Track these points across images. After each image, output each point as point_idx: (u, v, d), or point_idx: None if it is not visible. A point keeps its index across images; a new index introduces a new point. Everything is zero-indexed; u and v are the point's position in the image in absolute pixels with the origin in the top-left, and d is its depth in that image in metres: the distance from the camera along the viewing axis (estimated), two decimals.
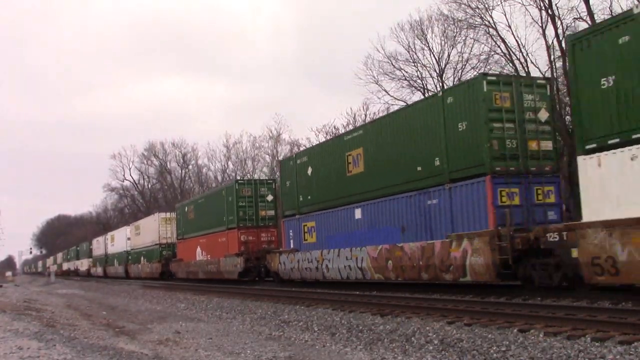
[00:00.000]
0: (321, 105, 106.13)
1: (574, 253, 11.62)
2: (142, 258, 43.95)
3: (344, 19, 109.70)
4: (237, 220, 28.13)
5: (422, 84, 39.47)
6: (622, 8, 26.88)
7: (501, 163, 14.09)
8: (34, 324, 13.24)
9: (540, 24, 30.20)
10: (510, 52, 31.95)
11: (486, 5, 32.04)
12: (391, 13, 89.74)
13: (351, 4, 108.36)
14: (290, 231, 23.70)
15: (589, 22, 26.97)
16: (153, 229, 40.96)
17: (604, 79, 11.22)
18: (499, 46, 32.82)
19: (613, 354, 7.14)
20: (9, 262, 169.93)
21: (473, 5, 32.42)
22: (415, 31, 38.82)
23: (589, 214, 11.49)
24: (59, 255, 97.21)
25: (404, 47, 39.36)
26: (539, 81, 15.27)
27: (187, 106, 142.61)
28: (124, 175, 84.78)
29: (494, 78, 14.77)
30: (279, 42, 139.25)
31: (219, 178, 68.68)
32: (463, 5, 32.96)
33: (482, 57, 35.00)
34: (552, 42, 29.56)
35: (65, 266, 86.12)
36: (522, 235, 13.20)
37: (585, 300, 11.70)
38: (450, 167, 15.15)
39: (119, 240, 50.66)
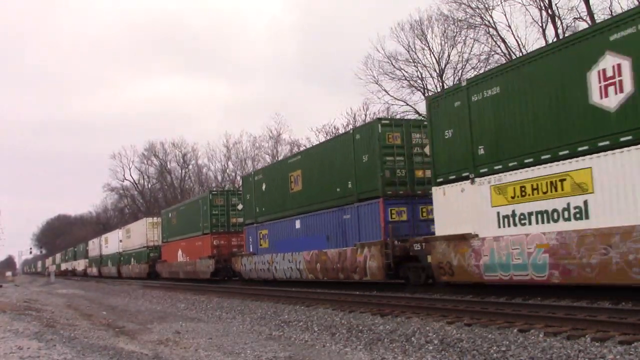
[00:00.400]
0: (321, 105, 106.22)
1: (429, 259, 15.50)
2: (132, 259, 47.31)
3: (344, 19, 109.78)
4: (210, 226, 31.57)
5: (422, 84, 39.59)
6: (622, 8, 26.93)
7: (392, 188, 17.73)
8: (34, 324, 13.24)
9: (540, 24, 30.31)
10: (510, 52, 32.01)
11: (486, 5, 32.15)
12: (391, 13, 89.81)
13: (351, 4, 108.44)
14: (250, 237, 27.07)
15: (589, 22, 27.00)
16: (141, 233, 44.29)
17: (447, 131, 14.95)
18: (499, 46, 32.92)
19: (613, 354, 7.14)
20: (9, 262, 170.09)
21: (473, 5, 32.53)
22: (415, 31, 38.95)
23: (438, 230, 15.22)
24: (58, 256, 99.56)
25: (404, 47, 39.48)
26: (425, 122, 17.82)
27: (187, 106, 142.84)
28: (124, 175, 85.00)
29: (387, 122, 18.61)
30: (279, 42, 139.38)
31: (219, 178, 68.81)
32: (463, 5, 33.08)
33: (482, 57, 35.10)
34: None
35: (63, 266, 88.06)
36: (400, 245, 17.01)
37: (585, 301, 11.72)
38: (358, 190, 18.82)
39: (112, 242, 53.71)
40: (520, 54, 30.76)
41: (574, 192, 11.67)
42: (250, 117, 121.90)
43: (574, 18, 28.52)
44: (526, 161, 12.68)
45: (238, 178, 66.42)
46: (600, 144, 11.24)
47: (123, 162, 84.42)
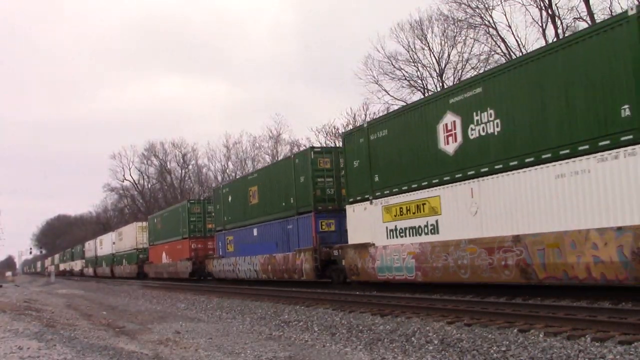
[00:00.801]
0: (321, 105, 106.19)
1: (343, 262, 19.47)
2: (124, 260, 51.57)
3: (344, 19, 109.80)
4: (188, 231, 35.51)
5: (422, 84, 39.60)
6: (622, 8, 26.94)
7: (322, 204, 21.48)
8: (34, 324, 13.24)
9: (540, 24, 30.32)
10: (510, 52, 32.01)
11: (486, 5, 32.15)
12: (391, 13, 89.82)
13: (351, 4, 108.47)
14: (219, 242, 30.89)
15: (589, 22, 27.00)
16: (132, 236, 48.43)
17: (355, 161, 18.72)
18: (499, 46, 32.93)
19: (613, 354, 7.14)
20: (9, 262, 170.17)
21: (473, 5, 32.55)
22: (415, 31, 38.95)
23: (350, 240, 19.13)
24: (56, 257, 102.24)
25: (404, 47, 39.50)
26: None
27: (187, 106, 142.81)
28: (124, 175, 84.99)
29: (319, 149, 22.46)
30: (279, 42, 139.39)
31: (219, 178, 68.77)
32: (463, 5, 33.08)
33: (482, 57, 35.10)
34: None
35: (61, 267, 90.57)
36: (325, 251, 20.83)
37: (585, 301, 11.73)
38: (297, 205, 22.45)
39: (106, 244, 57.81)
40: (521, 54, 30.78)
41: (430, 213, 15.61)
42: (251, 117, 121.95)
43: (574, 18, 28.57)
44: (403, 188, 16.56)
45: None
46: (445, 178, 15.02)
47: (123, 162, 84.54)
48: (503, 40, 32.65)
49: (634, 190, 10.55)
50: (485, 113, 13.84)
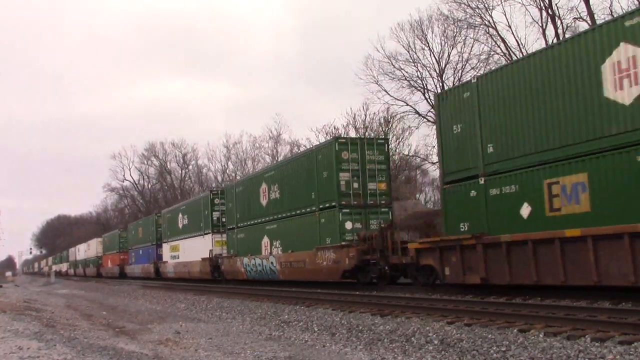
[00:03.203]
0: (321, 105, 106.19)
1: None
2: (90, 264, 67.81)
3: (344, 20, 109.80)
4: (119, 246, 54.11)
5: (422, 84, 39.55)
6: (622, 8, 26.93)
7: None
8: (34, 324, 13.24)
9: (540, 24, 30.30)
10: (510, 52, 32.00)
11: (486, 5, 32.13)
12: (391, 13, 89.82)
13: (352, 4, 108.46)
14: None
15: (589, 22, 27.00)
16: (95, 247, 65.29)
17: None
18: (499, 46, 32.90)
19: (613, 354, 7.14)
20: (9, 262, 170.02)
21: (473, 5, 32.51)
22: (415, 31, 38.90)
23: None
24: (50, 259, 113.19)
25: (404, 47, 39.45)
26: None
27: (187, 106, 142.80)
28: (124, 176, 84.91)
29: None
30: (280, 42, 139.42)
31: (219, 178, 68.78)
32: (463, 5, 33.05)
33: (482, 57, 35.08)
34: (552, 42, 29.56)
35: (54, 267, 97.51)
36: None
37: (585, 301, 11.72)
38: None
39: (81, 252, 75.01)
40: (521, 54, 30.79)
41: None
42: (251, 117, 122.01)
43: (574, 18, 28.54)
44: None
45: (238, 178, 66.44)
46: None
47: (123, 163, 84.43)
48: (503, 40, 32.65)
49: None
50: None
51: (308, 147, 38.38)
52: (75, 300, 26.53)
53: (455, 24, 35.27)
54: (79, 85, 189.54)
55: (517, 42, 32.69)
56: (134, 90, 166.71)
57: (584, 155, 11.82)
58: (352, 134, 42.34)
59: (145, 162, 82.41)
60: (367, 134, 41.78)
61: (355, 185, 19.58)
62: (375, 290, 17.90)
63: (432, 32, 38.36)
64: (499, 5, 32.80)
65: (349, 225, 19.43)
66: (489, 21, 32.67)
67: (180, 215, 36.16)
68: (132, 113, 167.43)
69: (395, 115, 41.93)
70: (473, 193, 14.42)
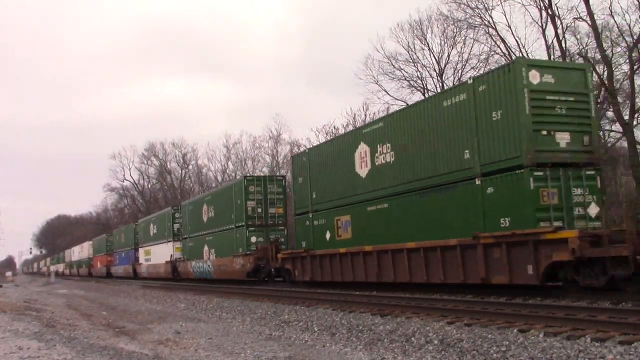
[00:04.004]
0: (321, 105, 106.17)
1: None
2: (83, 265, 72.93)
3: (345, 20, 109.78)
4: (106, 249, 59.46)
5: (422, 84, 39.51)
6: (622, 8, 26.92)
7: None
8: (34, 324, 13.24)
9: (540, 24, 30.22)
10: (510, 52, 31.96)
11: (486, 5, 32.06)
12: (391, 13, 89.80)
13: (352, 4, 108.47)
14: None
15: (589, 22, 26.99)
16: (87, 249, 71.20)
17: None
18: (498, 46, 32.84)
19: (613, 354, 7.14)
20: (9, 262, 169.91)
21: (473, 5, 32.43)
22: (415, 31, 38.85)
23: None
24: (48, 259, 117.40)
25: (403, 47, 39.38)
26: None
27: (187, 107, 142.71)
28: (124, 176, 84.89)
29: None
30: (281, 43, 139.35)
31: (219, 178, 68.74)
32: (463, 5, 32.97)
33: (482, 57, 35.04)
34: (552, 42, 29.56)
35: (52, 268, 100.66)
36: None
37: (585, 301, 11.72)
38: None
39: (76, 253, 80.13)
40: (520, 54, 30.80)
41: None
42: (251, 117, 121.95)
43: (574, 18, 28.45)
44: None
45: (238, 178, 66.40)
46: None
47: (123, 162, 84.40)
48: (503, 41, 32.57)
49: None
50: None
51: (308, 146, 38.70)
52: (75, 300, 26.53)
53: (455, 24, 35.24)
54: (79, 85, 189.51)
55: (517, 42, 32.60)
56: (134, 90, 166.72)
57: (348, 204, 19.43)
58: None
59: (145, 162, 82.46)
60: None
61: (259, 210, 26.90)
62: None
63: (432, 32, 38.34)
64: (498, 5, 32.72)
65: (253, 239, 26.51)
66: (488, 21, 32.61)
67: (151, 224, 43.14)
68: (132, 113, 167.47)
69: None
70: (307, 223, 21.89)
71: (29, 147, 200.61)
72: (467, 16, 33.20)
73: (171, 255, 37.00)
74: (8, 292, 32.17)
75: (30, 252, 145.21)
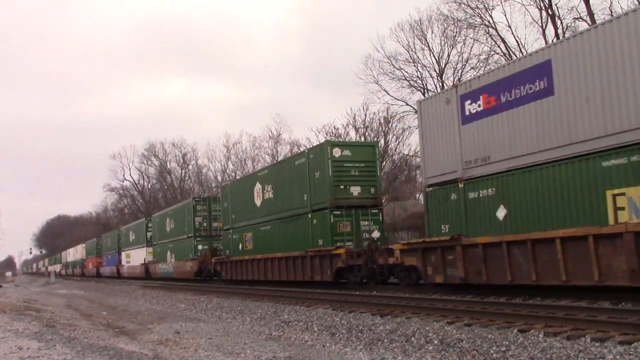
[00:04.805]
0: (321, 105, 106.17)
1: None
2: (77, 265, 79.19)
3: (345, 20, 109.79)
4: (96, 252, 64.66)
5: (422, 84, 39.55)
6: (622, 8, 26.93)
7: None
8: (34, 324, 13.24)
9: (540, 24, 30.29)
10: (510, 52, 32.00)
11: (486, 5, 32.11)
12: (391, 13, 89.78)
13: (352, 4, 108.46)
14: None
15: (589, 22, 26.99)
16: (80, 252, 76.83)
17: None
18: (498, 46, 32.90)
19: (613, 354, 7.14)
20: (9, 262, 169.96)
21: (473, 5, 32.50)
22: (415, 31, 38.90)
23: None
24: (46, 260, 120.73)
25: (403, 47, 39.46)
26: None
27: (187, 107, 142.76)
28: (124, 176, 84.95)
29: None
30: (281, 43, 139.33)
31: (219, 178, 68.72)
32: (463, 5, 33.03)
33: (482, 57, 35.07)
34: (552, 42, 29.54)
35: (50, 268, 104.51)
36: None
37: (585, 301, 11.72)
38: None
39: (71, 255, 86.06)
40: (520, 54, 30.79)
41: None
42: (251, 118, 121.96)
43: (574, 18, 28.53)
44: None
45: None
46: None
47: (123, 162, 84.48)
48: (503, 40, 32.64)
49: None
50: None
51: (309, 146, 38.94)
52: (75, 300, 26.53)
53: (455, 24, 35.31)
54: (79, 85, 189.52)
55: (517, 42, 32.74)
56: (135, 90, 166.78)
57: (251, 225, 25.80)
58: (352, 133, 42.65)
59: (145, 162, 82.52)
60: (367, 133, 41.99)
61: (205, 224, 33.47)
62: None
63: (432, 32, 38.40)
64: (498, 5, 32.90)
65: (200, 247, 33.07)
66: (488, 21, 32.68)
67: (130, 232, 50.71)
68: (132, 113, 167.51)
69: (395, 115, 41.99)
70: (229, 236, 27.77)
71: (29, 147, 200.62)
72: (467, 16, 33.30)
73: (144, 259, 44.68)
74: (8, 292, 32.18)
75: (30, 252, 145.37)
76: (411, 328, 10.23)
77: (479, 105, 14.04)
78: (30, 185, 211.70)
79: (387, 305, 13.48)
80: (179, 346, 9.96)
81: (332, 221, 19.91)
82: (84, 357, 8.48)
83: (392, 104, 40.88)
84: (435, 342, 8.93)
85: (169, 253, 38.31)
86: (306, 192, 21.24)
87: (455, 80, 36.92)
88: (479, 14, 32.70)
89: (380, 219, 20.64)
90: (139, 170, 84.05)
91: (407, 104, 40.41)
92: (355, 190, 20.37)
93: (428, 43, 38.61)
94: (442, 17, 36.41)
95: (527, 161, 12.76)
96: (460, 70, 37.69)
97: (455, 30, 36.29)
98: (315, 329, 11.46)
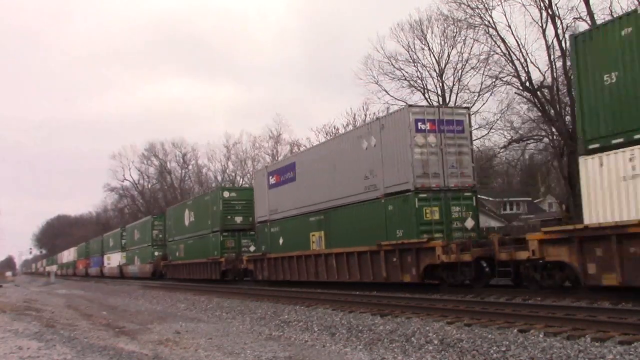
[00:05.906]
0: (321, 105, 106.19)
1: None
2: (70, 266, 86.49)
3: (345, 20, 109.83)
4: (85, 254, 71.62)
5: (422, 84, 39.51)
6: (622, 9, 26.90)
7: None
8: (34, 324, 13.23)
9: (540, 24, 30.18)
10: (510, 52, 31.94)
11: (486, 5, 32.01)
12: (391, 13, 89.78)
13: (352, 5, 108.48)
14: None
15: (589, 22, 26.96)
16: (72, 254, 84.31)
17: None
18: (498, 46, 32.77)
19: (613, 354, 7.14)
20: (9, 262, 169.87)
21: (473, 5, 32.38)
22: (415, 31, 38.83)
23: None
24: (44, 261, 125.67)
25: (403, 47, 39.35)
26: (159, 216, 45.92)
27: (187, 107, 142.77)
28: (124, 175, 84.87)
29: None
30: (282, 43, 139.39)
31: (219, 178, 68.79)
32: (463, 5, 32.93)
33: (482, 57, 35.02)
34: (552, 42, 29.54)
35: (48, 268, 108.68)
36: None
37: (585, 301, 11.72)
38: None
39: (65, 256, 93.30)
40: (521, 54, 30.85)
41: None
42: (251, 118, 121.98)
43: (574, 18, 28.45)
44: None
45: (238, 178, 66.40)
46: None
47: (123, 162, 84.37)
48: (503, 40, 32.51)
49: None
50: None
51: (308, 146, 38.91)
52: (75, 300, 26.53)
53: (455, 24, 35.20)
54: (79, 86, 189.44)
55: (517, 42, 32.57)
56: (135, 90, 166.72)
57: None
58: None
59: (145, 162, 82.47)
60: None
61: (160, 235, 41.25)
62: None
63: (432, 32, 38.30)
64: (498, 5, 32.60)
65: (155, 253, 41.79)
66: (488, 21, 32.56)
67: (110, 238, 60.36)
68: (132, 113, 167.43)
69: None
70: (215, 238, 33.51)
71: (29, 146, 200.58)
72: (467, 16, 33.19)
73: (119, 261, 54.57)
74: (8, 292, 32.17)
75: (30, 252, 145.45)
76: (411, 328, 10.23)
77: (274, 180, 24.94)
78: (30, 185, 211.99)
79: (387, 305, 13.49)
80: (179, 346, 9.96)
81: (221, 239, 28.74)
82: (84, 357, 8.48)
83: (392, 104, 40.78)
84: (435, 342, 8.93)
85: (136, 257, 48.40)
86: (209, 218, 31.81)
87: (455, 80, 37.00)
88: (479, 14, 32.61)
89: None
90: (139, 170, 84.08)
91: (406, 103, 40.33)
92: (239, 219, 30.49)
93: (428, 43, 38.57)
94: (442, 17, 36.34)
95: (289, 214, 23.54)
96: (460, 70, 37.69)
97: (455, 30, 36.24)
98: (315, 329, 11.46)
